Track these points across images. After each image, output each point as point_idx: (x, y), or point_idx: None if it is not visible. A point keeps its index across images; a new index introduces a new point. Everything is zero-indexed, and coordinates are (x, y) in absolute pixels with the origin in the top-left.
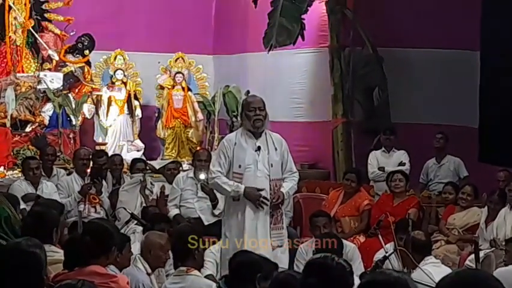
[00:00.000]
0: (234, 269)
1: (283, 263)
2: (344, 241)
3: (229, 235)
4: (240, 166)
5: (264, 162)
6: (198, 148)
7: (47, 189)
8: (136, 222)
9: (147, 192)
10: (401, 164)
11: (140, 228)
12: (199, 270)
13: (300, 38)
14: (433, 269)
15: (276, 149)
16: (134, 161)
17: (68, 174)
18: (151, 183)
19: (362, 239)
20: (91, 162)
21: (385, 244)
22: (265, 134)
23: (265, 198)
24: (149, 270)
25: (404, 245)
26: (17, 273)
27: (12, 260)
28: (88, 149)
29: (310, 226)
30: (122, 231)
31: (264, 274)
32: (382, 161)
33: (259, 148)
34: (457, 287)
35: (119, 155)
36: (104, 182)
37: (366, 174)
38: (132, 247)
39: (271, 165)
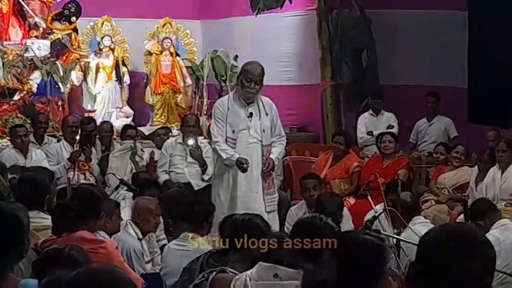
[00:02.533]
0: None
1: (273, 226)
2: None
3: (219, 200)
4: (233, 132)
5: (256, 128)
6: (187, 113)
7: (36, 156)
8: (126, 188)
9: (137, 158)
10: (390, 127)
11: (130, 194)
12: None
13: (287, 1)
14: (422, 228)
15: (266, 114)
16: (125, 127)
17: (57, 142)
18: (141, 150)
19: (352, 200)
20: (80, 130)
21: (375, 205)
22: (257, 99)
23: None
24: (140, 236)
25: (393, 205)
26: None
27: None
28: (77, 116)
29: (301, 188)
30: (111, 197)
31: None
32: (371, 124)
33: (251, 114)
34: (442, 239)
35: (108, 122)
36: (93, 149)
37: (355, 136)
38: (122, 213)
39: (263, 131)
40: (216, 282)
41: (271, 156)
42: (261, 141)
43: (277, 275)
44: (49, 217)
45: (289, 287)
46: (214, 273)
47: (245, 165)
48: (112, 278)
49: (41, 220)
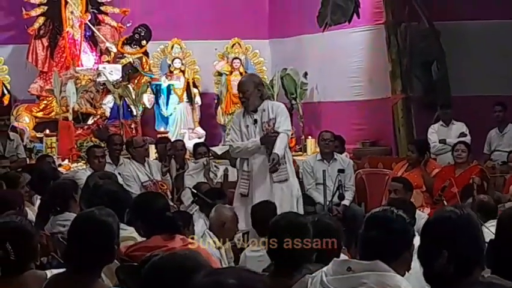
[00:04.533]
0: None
1: (284, 197)
2: (417, 211)
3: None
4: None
5: (260, 133)
6: None
7: None
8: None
9: (211, 175)
10: (463, 134)
11: (196, 208)
12: None
13: (355, 16)
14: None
15: (272, 117)
16: (196, 145)
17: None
18: (215, 167)
19: (427, 210)
20: (155, 149)
21: None
22: (263, 106)
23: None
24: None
25: (471, 208)
26: (88, 239)
27: (85, 227)
28: (140, 136)
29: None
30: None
31: None
32: (442, 134)
33: (255, 121)
34: None
35: (181, 140)
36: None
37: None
38: (195, 225)
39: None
40: None
41: (274, 151)
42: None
43: (350, 268)
44: (128, 228)
45: (362, 279)
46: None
47: (270, 135)
48: (195, 265)
49: (121, 232)
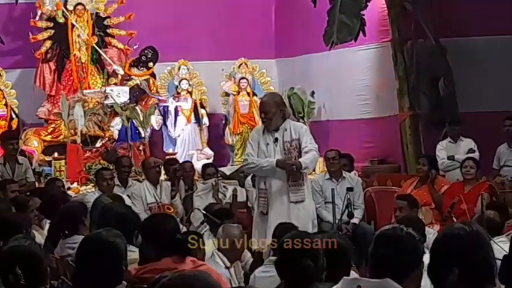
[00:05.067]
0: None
1: (301, 217)
2: (426, 228)
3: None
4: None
5: (281, 151)
6: None
7: None
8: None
9: (220, 196)
10: (471, 151)
11: (206, 228)
12: None
13: (361, 34)
14: (503, 245)
15: (295, 138)
16: (205, 166)
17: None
18: (224, 187)
19: (437, 227)
20: (164, 170)
21: None
22: (284, 125)
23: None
24: (228, 264)
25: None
26: (96, 261)
27: (92, 249)
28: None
29: None
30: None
31: None
32: (450, 151)
33: (276, 140)
34: None
35: (189, 161)
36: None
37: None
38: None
39: (289, 153)
40: None
41: (300, 160)
42: None
43: (360, 287)
44: (137, 250)
45: None
46: None
47: (288, 162)
48: (204, 285)
49: (129, 253)
